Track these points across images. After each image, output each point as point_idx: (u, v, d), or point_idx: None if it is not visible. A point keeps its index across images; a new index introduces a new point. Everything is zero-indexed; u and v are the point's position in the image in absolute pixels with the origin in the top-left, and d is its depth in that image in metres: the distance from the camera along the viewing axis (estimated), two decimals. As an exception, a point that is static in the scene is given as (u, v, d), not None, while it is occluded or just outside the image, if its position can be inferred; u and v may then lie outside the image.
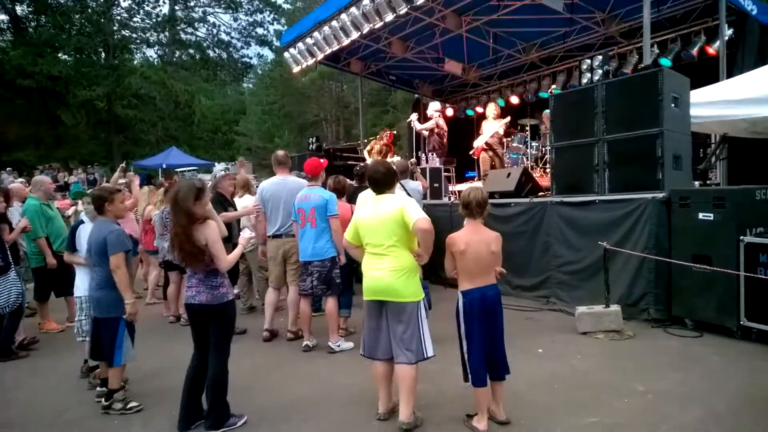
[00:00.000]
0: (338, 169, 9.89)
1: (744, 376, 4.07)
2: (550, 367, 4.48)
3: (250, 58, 38.57)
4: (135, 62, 33.50)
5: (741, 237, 4.76)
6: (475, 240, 3.39)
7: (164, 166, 19.80)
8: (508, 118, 10.24)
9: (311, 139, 11.68)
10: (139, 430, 3.63)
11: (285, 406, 3.94)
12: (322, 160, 5.68)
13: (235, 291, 8.06)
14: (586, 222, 6.11)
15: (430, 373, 3.97)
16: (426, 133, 10.60)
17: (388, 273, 3.44)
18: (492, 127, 10.09)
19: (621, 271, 5.69)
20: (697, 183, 6.68)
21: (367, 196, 5.22)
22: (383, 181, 3.61)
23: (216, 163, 26.63)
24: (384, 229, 3.47)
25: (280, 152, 6.12)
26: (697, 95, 6.37)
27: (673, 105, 5.62)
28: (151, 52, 35.28)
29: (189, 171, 24.13)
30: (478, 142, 10.27)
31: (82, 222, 4.64)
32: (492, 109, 10.51)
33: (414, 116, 11.29)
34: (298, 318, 5.56)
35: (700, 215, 5.07)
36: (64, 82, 26.35)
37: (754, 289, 4.69)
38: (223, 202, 4.93)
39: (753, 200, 4.98)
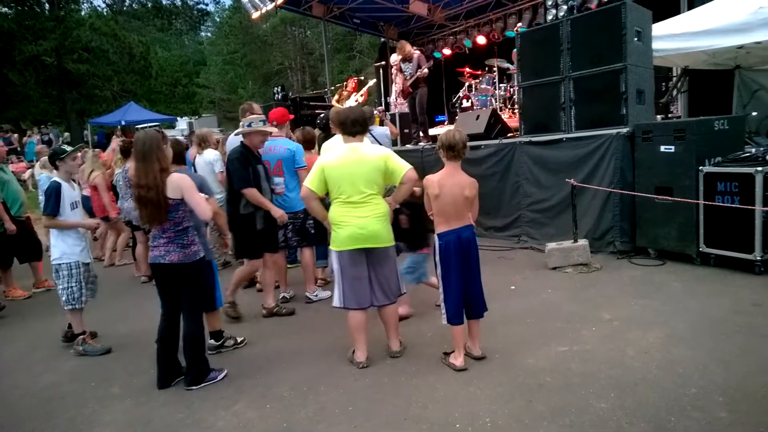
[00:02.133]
0: (306, 118, 9.72)
1: (702, 299, 4.31)
2: (523, 302, 4.66)
3: (206, 5, 36.91)
4: (82, 13, 31.57)
5: (700, 167, 4.92)
6: (450, 183, 3.42)
7: (123, 123, 18.99)
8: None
9: (276, 88, 11.41)
10: (118, 390, 3.66)
11: (266, 357, 4.02)
12: (290, 114, 5.60)
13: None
14: (554, 160, 6.20)
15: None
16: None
17: (374, 220, 3.50)
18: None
19: (588, 207, 5.85)
20: (659, 116, 6.80)
21: (333, 143, 5.20)
22: (359, 122, 3.59)
23: (178, 118, 25.87)
24: (364, 177, 3.47)
25: (244, 104, 5.99)
26: (658, 28, 6.39)
27: (636, 39, 5.63)
28: (99, 2, 33.31)
29: (150, 127, 23.37)
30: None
31: (59, 183, 4.31)
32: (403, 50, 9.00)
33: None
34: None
35: (662, 148, 5.19)
36: (7, 37, 24.72)
37: (712, 217, 4.90)
38: (252, 159, 4.63)
39: (711, 131, 5.11)
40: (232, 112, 29.21)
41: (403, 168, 3.49)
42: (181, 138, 9.98)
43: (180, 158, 4.18)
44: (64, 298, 4.34)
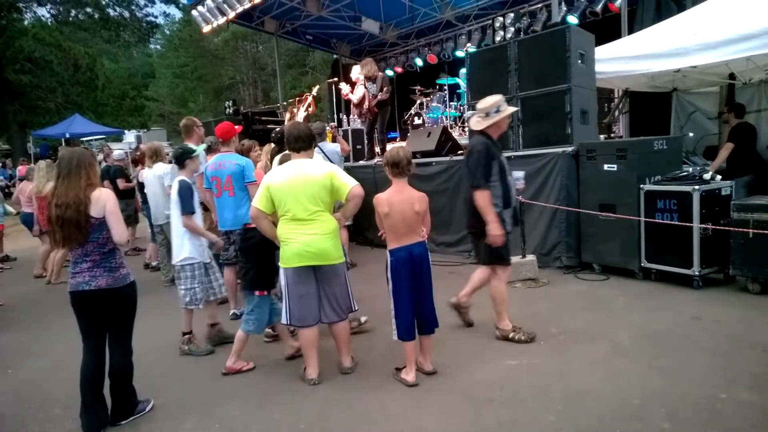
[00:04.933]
0: (258, 133, 9.57)
1: (645, 313, 4.46)
2: (473, 316, 4.68)
3: (156, 17, 35.87)
4: (25, 23, 30.19)
5: (641, 185, 5.13)
6: (399, 200, 3.41)
7: (67, 135, 18.20)
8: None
9: (228, 103, 11.20)
10: (60, 412, 3.46)
11: (213, 374, 3.89)
12: (237, 126, 5.48)
13: (154, 263, 7.79)
14: (502, 177, 6.31)
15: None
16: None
17: (320, 238, 3.44)
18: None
19: (536, 223, 5.99)
20: (602, 136, 7.08)
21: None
22: (302, 138, 3.55)
23: (126, 131, 25.02)
24: (309, 195, 3.41)
25: (183, 120, 5.86)
26: (601, 51, 6.68)
27: (579, 61, 5.87)
28: (43, 11, 31.90)
29: (96, 140, 22.50)
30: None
31: (189, 183, 4.32)
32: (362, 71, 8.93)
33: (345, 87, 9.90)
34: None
35: (605, 167, 5.40)
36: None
37: (653, 233, 5.11)
38: (497, 152, 4.35)
39: (651, 151, 5.35)
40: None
41: (347, 185, 3.43)
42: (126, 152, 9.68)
43: None
44: (187, 299, 4.30)
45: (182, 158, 4.39)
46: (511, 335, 4.04)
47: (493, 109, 3.98)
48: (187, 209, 4.21)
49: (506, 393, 3.25)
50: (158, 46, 43.79)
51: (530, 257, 5.62)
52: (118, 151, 9.59)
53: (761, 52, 5.59)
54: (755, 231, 4.50)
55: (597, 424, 2.82)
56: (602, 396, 3.12)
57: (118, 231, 3.12)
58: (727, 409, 2.89)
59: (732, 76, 7.05)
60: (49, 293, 6.97)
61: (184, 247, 4.27)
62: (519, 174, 4.85)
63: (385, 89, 8.40)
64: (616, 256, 5.43)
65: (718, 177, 5.12)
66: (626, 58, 6.71)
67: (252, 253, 3.83)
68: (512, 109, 4.11)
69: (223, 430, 3.11)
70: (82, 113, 24.25)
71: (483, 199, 3.83)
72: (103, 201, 3.07)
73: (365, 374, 3.67)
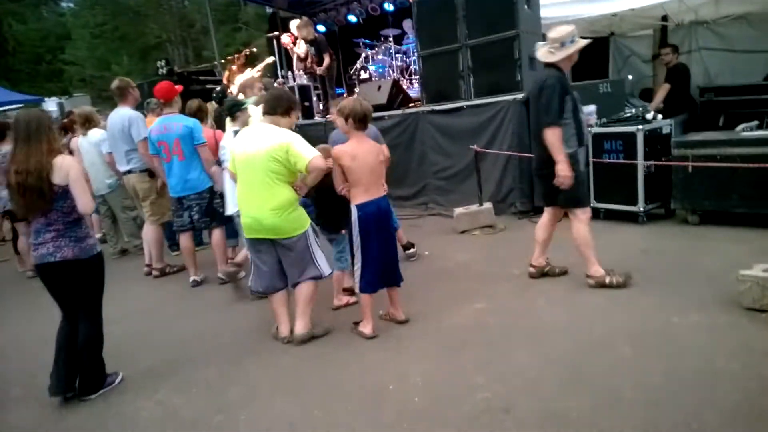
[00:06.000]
0: (196, 93, 9.13)
1: (597, 249, 4.65)
2: (438, 265, 4.82)
3: (65, -28, 32.92)
4: None
5: (588, 128, 5.30)
6: (363, 151, 3.37)
7: (-21, 106, 16.70)
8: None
9: (160, 62, 10.56)
10: (19, 392, 3.33)
11: (183, 340, 3.84)
12: (176, 86, 5.20)
13: (98, 235, 7.44)
14: (456, 128, 6.38)
15: (323, 291, 4.01)
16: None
17: (269, 213, 3.30)
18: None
19: (490, 171, 6.11)
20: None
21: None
22: (281, 104, 3.42)
23: (46, 98, 23.18)
24: (262, 167, 3.27)
25: (115, 81, 5.51)
26: (544, -4, 6.73)
27: (526, 7, 5.89)
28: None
29: (13, 110, 20.77)
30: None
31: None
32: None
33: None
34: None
35: (555, 112, 5.51)
36: None
37: (600, 174, 5.33)
38: (569, 87, 3.94)
39: (598, 94, 5.52)
40: (106, 90, 26.69)
41: (305, 158, 3.20)
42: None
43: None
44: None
45: (234, 110, 4.58)
46: (607, 280, 3.80)
47: (569, 39, 3.65)
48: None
49: (478, 335, 3.38)
50: (71, 4, 40.31)
51: (487, 205, 5.76)
52: None
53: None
54: (694, 165, 4.78)
55: (566, 356, 2.99)
56: (568, 330, 3.30)
57: (84, 201, 2.95)
58: (680, 331, 3.13)
59: (665, 18, 7.30)
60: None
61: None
62: (590, 108, 4.69)
63: (327, 60, 8.28)
64: (567, 198, 5.63)
65: (659, 116, 5.37)
66: (568, 3, 6.84)
67: (325, 197, 3.82)
68: (585, 41, 3.79)
69: (201, 394, 3.09)
70: (-6, 81, 22.24)
71: (556, 136, 3.62)
72: (66, 168, 2.90)
73: (342, 330, 3.69)
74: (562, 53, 3.66)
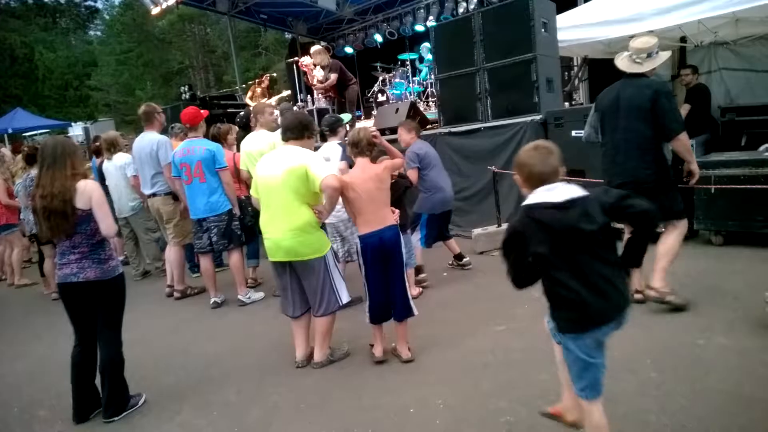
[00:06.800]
0: (218, 118, 9.33)
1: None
2: (456, 287, 4.80)
3: (95, 1, 34.13)
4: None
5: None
6: (362, 179, 3.31)
7: (10, 131, 17.22)
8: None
9: (183, 88, 10.81)
10: (45, 414, 3.36)
11: (205, 363, 3.85)
12: (202, 110, 5.33)
13: (121, 258, 7.58)
14: (474, 149, 6.41)
15: (349, 310, 4.03)
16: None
17: (287, 234, 3.31)
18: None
19: (509, 192, 6.10)
20: (565, 104, 7.23)
21: (249, 144, 5.05)
22: (290, 128, 3.47)
23: (72, 123, 23.83)
24: (284, 187, 3.29)
25: (143, 107, 5.67)
26: (560, 20, 6.79)
27: (543, 30, 5.95)
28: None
29: (41, 134, 21.38)
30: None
31: None
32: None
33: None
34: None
35: (573, 133, 5.53)
36: None
37: (621, 195, 5.27)
38: None
39: (616, 115, 5.50)
40: (129, 115, 27.42)
41: (318, 177, 3.19)
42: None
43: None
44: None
45: (335, 125, 4.76)
46: (669, 298, 3.66)
47: (655, 50, 3.63)
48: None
49: (499, 357, 3.35)
50: (98, 33, 41.67)
51: (505, 225, 5.73)
52: None
53: (711, 14, 5.84)
54: (717, 186, 4.73)
55: (590, 378, 2.94)
56: (591, 352, 3.25)
57: (107, 224, 3.04)
58: (705, 354, 3.07)
59: (684, 39, 7.30)
60: (14, 295, 6.71)
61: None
62: None
63: (333, 77, 8.42)
64: (587, 219, 5.59)
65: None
66: (585, 26, 6.85)
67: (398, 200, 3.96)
68: (667, 53, 3.81)
69: (222, 415, 3.10)
70: (24, 107, 22.96)
71: (687, 142, 3.53)
72: (89, 192, 2.99)
73: (360, 352, 3.69)
74: (650, 63, 3.62)
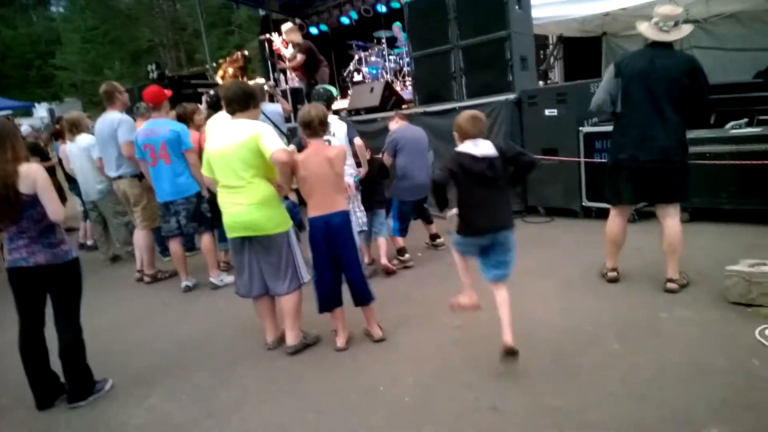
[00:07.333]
0: (188, 97, 9.09)
1: (588, 249, 4.70)
2: (430, 267, 4.82)
3: (55, -25, 32.68)
4: None
5: (580, 128, 5.33)
6: (315, 161, 3.20)
7: (-30, 112, 16.58)
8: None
9: (151, 66, 10.50)
10: (8, 401, 3.30)
11: (176, 346, 3.82)
12: (166, 90, 5.18)
13: (90, 242, 7.41)
14: (449, 129, 6.31)
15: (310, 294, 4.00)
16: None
17: (248, 208, 3.19)
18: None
19: (482, 171, 6.11)
20: (540, 83, 7.24)
21: (214, 122, 4.92)
22: (235, 100, 3.24)
23: (36, 104, 23.08)
24: (237, 160, 3.14)
25: (103, 86, 5.50)
26: (534, -3, 6.76)
27: (517, 7, 5.90)
28: None
29: (2, 116, 20.65)
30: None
31: None
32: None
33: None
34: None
35: (546, 112, 5.56)
36: None
37: (592, 173, 5.35)
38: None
39: (588, 94, 5.51)
40: (97, 96, 26.56)
41: (268, 149, 3.05)
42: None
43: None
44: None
45: (331, 102, 4.66)
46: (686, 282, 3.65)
47: (681, 19, 3.41)
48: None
49: (468, 334, 3.39)
50: (60, 9, 40.09)
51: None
52: (24, 127, 8.77)
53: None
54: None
55: (557, 353, 3.01)
56: (558, 327, 3.32)
57: (53, 209, 2.90)
58: (668, 327, 3.16)
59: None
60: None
61: None
62: None
63: (299, 57, 8.19)
64: (559, 198, 5.67)
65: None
66: (559, 3, 6.83)
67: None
68: (690, 26, 3.58)
69: (192, 399, 3.06)
70: (-17, 87, 22.11)
71: None
72: (33, 177, 2.84)
73: (329, 333, 3.67)
74: (676, 33, 3.38)
